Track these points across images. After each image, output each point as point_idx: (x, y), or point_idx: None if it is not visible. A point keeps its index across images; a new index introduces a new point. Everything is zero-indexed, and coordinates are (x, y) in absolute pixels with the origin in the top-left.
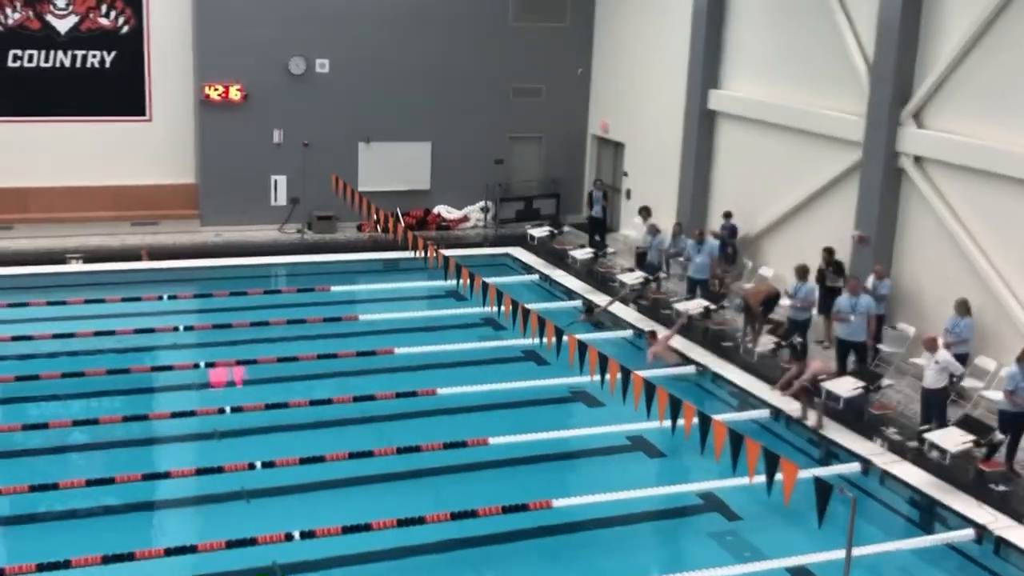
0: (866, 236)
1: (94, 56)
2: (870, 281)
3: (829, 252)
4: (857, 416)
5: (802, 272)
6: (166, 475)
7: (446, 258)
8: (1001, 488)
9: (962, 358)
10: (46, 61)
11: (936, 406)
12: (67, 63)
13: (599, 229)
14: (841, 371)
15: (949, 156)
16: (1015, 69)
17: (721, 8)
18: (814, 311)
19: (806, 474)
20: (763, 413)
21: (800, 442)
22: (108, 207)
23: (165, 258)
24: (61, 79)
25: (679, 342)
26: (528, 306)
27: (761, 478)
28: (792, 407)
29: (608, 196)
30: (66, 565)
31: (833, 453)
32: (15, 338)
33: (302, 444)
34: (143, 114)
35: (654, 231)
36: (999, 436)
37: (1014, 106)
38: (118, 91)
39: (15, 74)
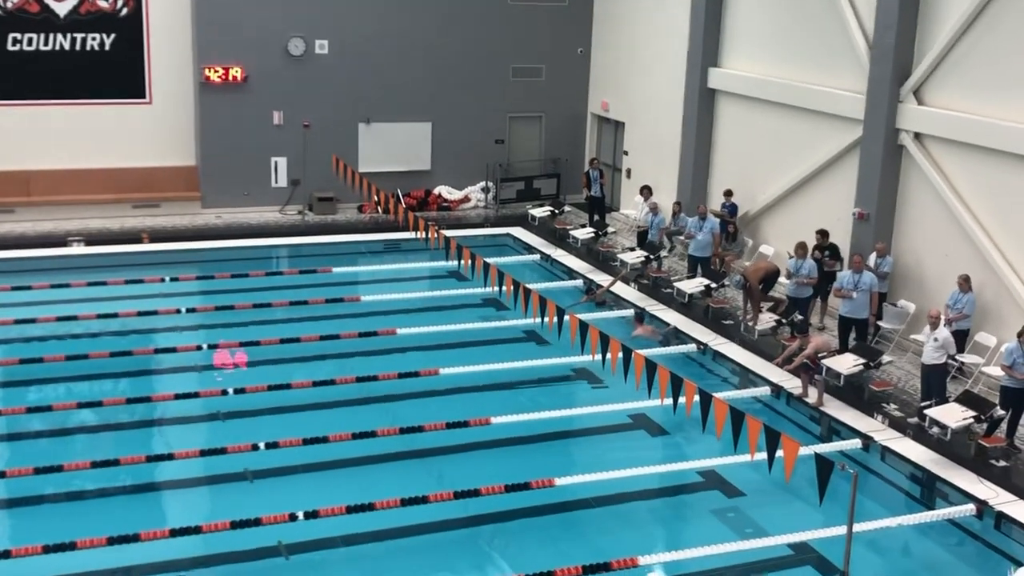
0: (866, 213)
1: (93, 39)
2: (872, 259)
3: (823, 234)
4: (858, 393)
5: (802, 249)
6: (170, 456)
7: (447, 238)
8: (1002, 463)
9: (963, 334)
10: (45, 44)
11: (936, 382)
12: (66, 46)
13: (598, 209)
14: (843, 348)
15: (949, 132)
16: (1014, 46)
17: None
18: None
19: (807, 451)
20: (764, 390)
21: (801, 419)
22: (109, 190)
23: (166, 240)
24: (61, 62)
25: (664, 315)
26: (529, 286)
27: (762, 455)
28: (793, 384)
29: (604, 175)
30: (71, 547)
31: (834, 430)
32: (18, 321)
33: (305, 425)
34: (143, 97)
35: (655, 210)
36: (1000, 411)
37: (1013, 82)
38: (118, 74)
39: (15, 57)
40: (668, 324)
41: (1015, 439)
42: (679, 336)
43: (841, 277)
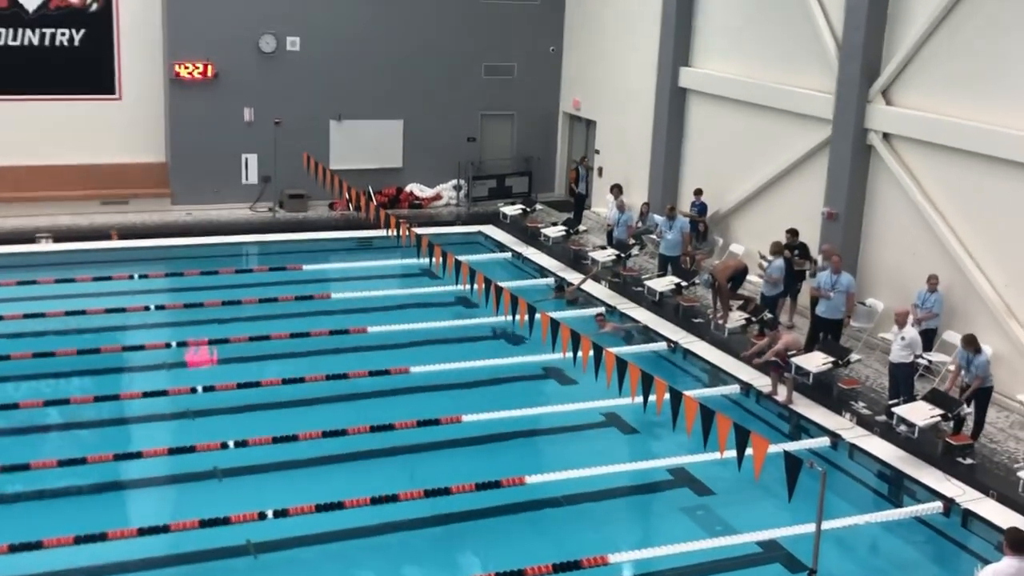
0: (835, 212)
1: (63, 34)
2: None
3: (793, 233)
4: (826, 391)
5: (776, 249)
6: (138, 455)
7: (419, 236)
8: (968, 461)
9: (931, 333)
10: (14, 39)
11: (903, 380)
12: (35, 41)
13: (580, 206)
14: (809, 347)
15: (917, 133)
16: (981, 46)
17: None
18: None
19: (776, 449)
20: (734, 389)
21: (770, 417)
22: (78, 186)
23: (135, 237)
24: (29, 57)
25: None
26: (501, 284)
27: (732, 453)
28: (762, 382)
29: (589, 174)
30: (38, 546)
31: (803, 428)
32: None
33: (275, 423)
34: (113, 92)
35: (622, 207)
36: (967, 409)
37: (980, 83)
38: (87, 69)
39: None
40: (637, 321)
41: (980, 437)
42: (649, 334)
43: (819, 277)
